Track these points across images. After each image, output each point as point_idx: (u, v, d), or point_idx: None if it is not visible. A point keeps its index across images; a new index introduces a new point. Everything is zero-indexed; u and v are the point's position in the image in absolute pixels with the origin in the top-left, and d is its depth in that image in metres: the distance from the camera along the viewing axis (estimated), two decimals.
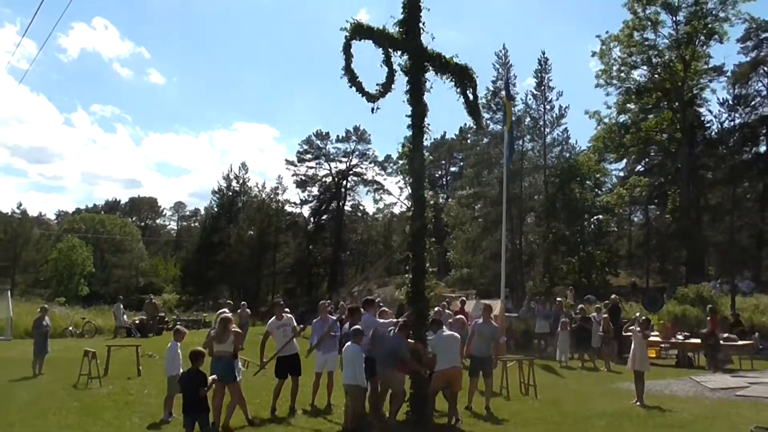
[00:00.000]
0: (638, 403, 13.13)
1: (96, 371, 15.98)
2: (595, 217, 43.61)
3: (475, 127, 18.62)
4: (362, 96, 12.35)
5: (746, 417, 11.82)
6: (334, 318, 14.09)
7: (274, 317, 13.23)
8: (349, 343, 10.89)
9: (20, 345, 24.79)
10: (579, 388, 15.76)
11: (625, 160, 50.34)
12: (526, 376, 14.70)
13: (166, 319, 35.05)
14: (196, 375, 9.15)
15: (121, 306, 32.90)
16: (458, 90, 13.14)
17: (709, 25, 41.22)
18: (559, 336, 21.04)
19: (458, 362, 11.73)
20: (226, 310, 13.59)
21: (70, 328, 31.70)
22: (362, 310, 12.18)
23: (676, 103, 42.93)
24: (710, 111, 46.90)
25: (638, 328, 13.76)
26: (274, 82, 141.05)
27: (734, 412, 12.52)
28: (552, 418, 11.93)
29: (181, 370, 11.89)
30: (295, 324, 13.37)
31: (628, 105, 45.54)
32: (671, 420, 11.79)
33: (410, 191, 12.83)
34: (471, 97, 13.33)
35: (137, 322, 32.18)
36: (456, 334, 11.94)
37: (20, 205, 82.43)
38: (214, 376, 9.82)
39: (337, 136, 74.19)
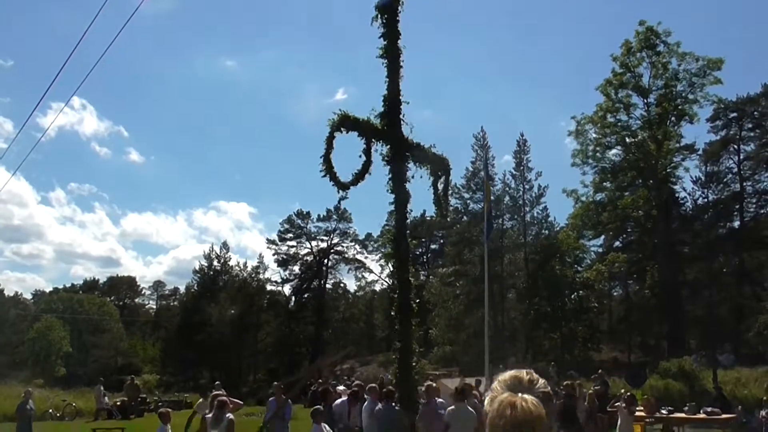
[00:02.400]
0: None
1: None
2: (575, 293, 44.06)
3: (436, 216, 19.08)
4: (334, 185, 12.75)
5: None
6: (287, 399, 14.51)
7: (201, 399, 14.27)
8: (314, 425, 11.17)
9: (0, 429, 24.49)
10: None
11: (603, 237, 51.10)
12: None
13: (147, 400, 34.62)
14: None
15: (102, 387, 32.53)
16: (431, 179, 13.56)
17: (680, 107, 42.67)
18: None
19: None
20: (222, 391, 13.77)
21: (51, 411, 31.21)
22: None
23: (651, 181, 43.96)
24: (684, 188, 47.97)
25: (624, 405, 13.99)
26: (252, 161, 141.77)
27: None
28: None
29: None
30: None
31: (605, 183, 46.57)
32: None
33: (393, 272, 13.18)
34: (441, 187, 13.75)
35: (119, 403, 31.78)
36: (473, 412, 12.07)
37: None
38: None
39: (318, 215, 74.66)
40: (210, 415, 11.65)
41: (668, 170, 44.89)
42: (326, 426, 11.13)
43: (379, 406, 11.60)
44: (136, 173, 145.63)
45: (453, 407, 11.81)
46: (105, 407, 31.07)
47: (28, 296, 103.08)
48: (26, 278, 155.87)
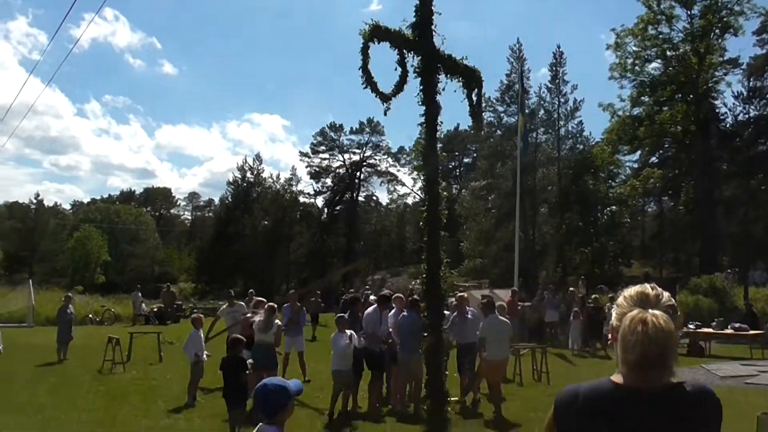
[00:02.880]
0: None
1: (119, 357, 16.47)
2: (608, 209, 43.76)
3: (473, 129, 18.98)
4: (376, 96, 12.67)
5: (755, 404, 12.06)
6: (301, 306, 16.12)
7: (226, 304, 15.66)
8: (336, 332, 11.44)
9: (42, 332, 25.32)
10: (591, 376, 15.90)
11: (638, 152, 50.30)
12: (539, 363, 15.02)
13: (183, 307, 35.53)
14: (237, 361, 9.52)
15: (139, 294, 33.40)
16: (464, 92, 13.36)
17: (724, 19, 41.12)
18: (571, 325, 21.35)
19: (508, 352, 12.17)
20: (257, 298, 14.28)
21: (90, 316, 32.20)
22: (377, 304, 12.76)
23: (691, 96, 42.89)
24: (725, 104, 46.65)
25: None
26: (285, 73, 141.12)
27: (743, 399, 12.79)
28: None
29: (206, 356, 12.37)
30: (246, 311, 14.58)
31: (642, 98, 45.51)
32: None
33: (423, 186, 13.17)
34: (475, 99, 13.55)
35: (155, 310, 32.66)
36: (506, 322, 12.25)
37: (37, 195, 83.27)
38: (250, 361, 10.22)
39: (351, 128, 74.59)
40: (258, 320, 11.94)
41: (709, 85, 43.68)
42: (353, 333, 11.33)
43: (404, 313, 11.77)
44: (169, 85, 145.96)
45: (487, 320, 11.94)
46: (142, 313, 31.93)
47: (67, 207, 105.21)
48: (65, 189, 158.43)
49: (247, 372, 9.62)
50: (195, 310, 30.61)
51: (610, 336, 1.98)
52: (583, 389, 2.27)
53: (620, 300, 2.33)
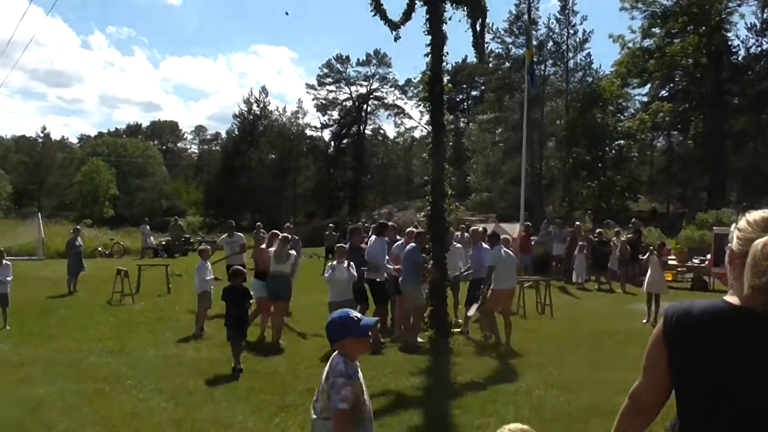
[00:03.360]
0: (650, 323, 13.53)
1: (128, 289, 16.67)
2: (616, 143, 43.45)
3: (476, 60, 18.75)
4: (385, 24, 12.55)
5: None
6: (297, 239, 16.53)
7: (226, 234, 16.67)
8: (334, 263, 11.49)
9: (52, 265, 25.57)
10: (594, 309, 16.19)
11: (648, 86, 49.65)
12: (543, 296, 15.13)
13: (190, 240, 35.75)
14: (239, 291, 9.78)
15: (147, 227, 33.60)
16: (468, 22, 13.17)
17: None
18: (576, 258, 21.43)
19: (515, 283, 12.26)
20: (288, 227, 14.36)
21: (99, 249, 32.45)
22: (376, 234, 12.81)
23: (703, 28, 42.18)
24: (737, 36, 45.98)
25: (654, 252, 14.13)
26: (292, 3, 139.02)
27: None
28: (566, 336, 12.39)
29: (212, 288, 12.49)
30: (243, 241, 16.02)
31: (654, 29, 44.77)
32: None
33: (429, 117, 13.07)
34: (479, 29, 13.37)
35: (164, 243, 32.89)
36: (512, 255, 12.34)
37: (44, 129, 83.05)
38: (252, 292, 10.49)
39: (358, 59, 73.57)
40: (273, 250, 12.02)
41: (722, 16, 42.90)
42: (351, 263, 11.36)
43: (410, 245, 11.81)
44: (174, 15, 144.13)
45: (493, 251, 12.00)
46: (150, 246, 32.17)
47: (74, 140, 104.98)
48: (71, 122, 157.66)
49: (250, 302, 9.96)
50: (203, 243, 30.87)
51: (727, 259, 1.89)
52: (697, 306, 2.26)
53: (743, 224, 2.30)
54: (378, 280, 12.02)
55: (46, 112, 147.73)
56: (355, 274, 11.28)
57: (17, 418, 7.20)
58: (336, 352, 3.80)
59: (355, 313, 3.87)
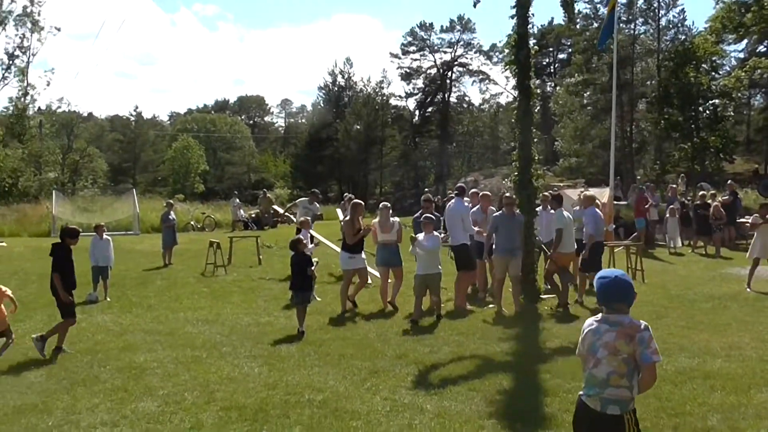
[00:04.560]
0: (748, 289, 13.11)
1: (221, 261, 17.19)
2: (710, 102, 41.83)
3: (564, 21, 18.44)
4: None
5: None
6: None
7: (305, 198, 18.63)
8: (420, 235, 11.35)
9: (148, 239, 26.54)
10: (687, 274, 15.79)
11: (745, 41, 47.42)
12: (634, 261, 14.84)
13: (280, 213, 36.40)
14: (303, 258, 10.38)
15: (237, 201, 34.39)
16: None
17: None
18: (668, 223, 20.88)
19: (574, 246, 12.31)
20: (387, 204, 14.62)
21: (192, 222, 33.44)
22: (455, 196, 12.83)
23: None
24: None
25: (759, 214, 13.58)
26: None
27: None
28: (658, 301, 12.14)
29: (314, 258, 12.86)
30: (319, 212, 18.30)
31: None
32: None
33: (515, 81, 12.93)
34: None
35: (253, 215, 33.61)
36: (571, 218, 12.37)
37: (137, 107, 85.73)
38: (316, 260, 10.96)
39: (441, 26, 72.96)
40: (378, 221, 12.28)
41: None
42: (438, 232, 11.42)
43: (502, 212, 11.67)
44: None
45: (557, 213, 12.12)
46: (241, 219, 32.89)
47: (165, 118, 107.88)
48: (161, 100, 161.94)
49: (312, 268, 10.67)
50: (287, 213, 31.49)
51: None
52: None
53: None
54: (461, 244, 11.89)
55: (138, 91, 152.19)
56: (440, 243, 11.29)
57: (122, 384, 7.56)
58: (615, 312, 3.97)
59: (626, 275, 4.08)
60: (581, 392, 4.03)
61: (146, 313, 11.95)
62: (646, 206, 20.93)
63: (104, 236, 14.04)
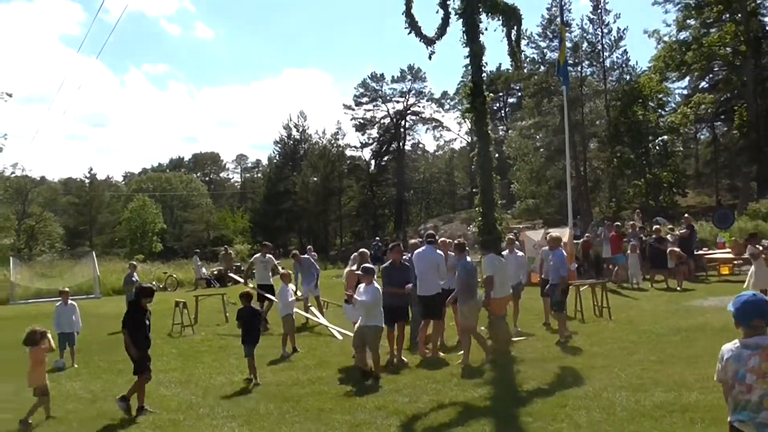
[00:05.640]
0: None
1: (188, 320, 16.98)
2: (659, 138, 42.94)
3: (512, 68, 18.99)
4: (421, 40, 12.68)
5: None
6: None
7: (259, 253, 18.59)
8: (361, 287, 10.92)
9: (110, 301, 26.11)
10: (653, 308, 15.97)
11: (687, 78, 49.00)
12: (599, 298, 15.00)
13: (242, 269, 36.06)
14: (251, 311, 11.16)
15: (198, 258, 34.08)
16: (504, 31, 13.22)
17: None
18: (630, 259, 21.18)
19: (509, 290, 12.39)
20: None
21: (154, 283, 32.92)
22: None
23: (739, 15, 41.53)
24: None
25: (760, 248, 13.85)
26: (320, 26, 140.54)
27: None
28: (627, 337, 12.26)
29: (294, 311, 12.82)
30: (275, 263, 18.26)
31: (689, 21, 44.28)
32: None
33: (472, 127, 13.17)
34: (514, 37, 13.40)
35: (216, 273, 33.29)
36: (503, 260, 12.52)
37: (91, 170, 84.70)
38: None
39: (393, 76, 73.95)
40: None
41: (758, 1, 42.22)
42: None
43: (466, 260, 11.64)
44: (206, 48, 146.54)
45: (488, 258, 11.79)
46: (203, 277, 32.56)
47: (119, 178, 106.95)
48: (113, 161, 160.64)
49: (259, 320, 11.51)
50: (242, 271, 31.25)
51: None
52: None
53: None
54: (436, 293, 11.77)
55: (91, 153, 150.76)
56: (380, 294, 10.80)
57: None
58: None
59: None
60: (730, 418, 4.14)
61: (116, 378, 11.72)
62: (625, 241, 21.34)
63: (69, 302, 13.83)
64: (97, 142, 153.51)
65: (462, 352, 11.09)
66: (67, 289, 14.61)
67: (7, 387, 11.12)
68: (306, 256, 19.24)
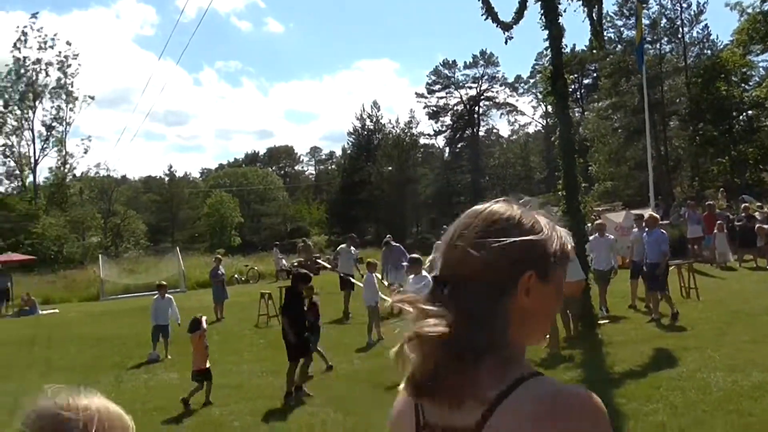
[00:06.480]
0: None
1: (273, 311, 17.30)
2: (744, 114, 41.56)
3: (595, 49, 18.63)
4: (497, 26, 12.61)
5: None
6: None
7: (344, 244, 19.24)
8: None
9: (195, 295, 26.80)
10: (741, 288, 15.57)
11: None
12: (686, 279, 14.71)
13: (320, 259, 36.46)
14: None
15: (278, 250, 34.62)
16: (585, 11, 13.04)
17: None
18: (716, 238, 20.63)
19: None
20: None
21: (236, 276, 33.66)
22: None
23: None
24: None
25: None
26: (389, 14, 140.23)
27: None
28: (718, 318, 12.01)
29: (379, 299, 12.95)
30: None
31: None
32: None
33: (552, 110, 13.05)
34: (596, 17, 13.21)
35: (296, 264, 33.72)
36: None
37: (170, 167, 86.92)
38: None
39: (465, 62, 73.53)
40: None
41: None
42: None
43: None
44: (277, 43, 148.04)
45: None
46: (284, 268, 33.01)
47: (197, 174, 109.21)
48: (191, 158, 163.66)
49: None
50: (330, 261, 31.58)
51: None
52: None
53: None
54: None
55: (168, 151, 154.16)
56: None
57: None
58: None
59: None
60: None
61: (212, 368, 12.07)
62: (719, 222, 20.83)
63: (165, 295, 14.33)
64: (175, 140, 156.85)
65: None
66: (164, 282, 15.12)
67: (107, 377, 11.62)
68: (397, 244, 19.19)
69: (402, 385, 1.34)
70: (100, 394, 1.35)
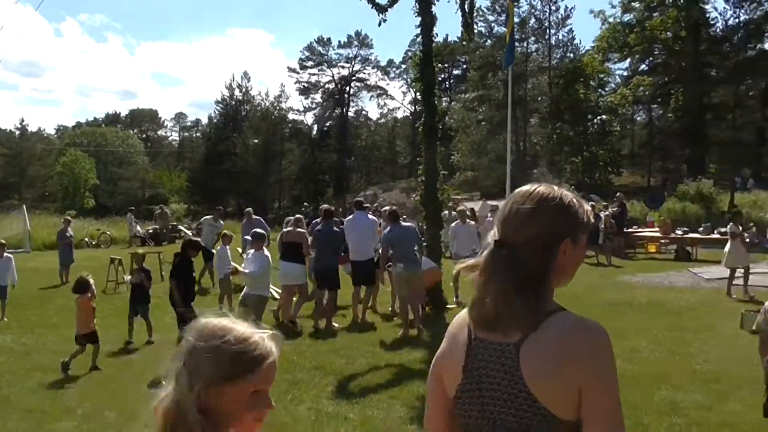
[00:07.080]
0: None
1: (122, 277, 16.82)
2: (598, 118, 43.90)
3: (465, 41, 19.17)
4: (372, 7, 12.74)
5: (738, 303, 12.66)
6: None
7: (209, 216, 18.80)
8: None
9: (40, 256, 25.62)
10: (583, 282, 16.49)
11: (629, 60, 50.15)
12: None
13: (177, 228, 35.68)
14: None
15: (132, 216, 33.59)
16: (457, 2, 13.38)
17: None
18: None
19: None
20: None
21: (86, 239, 32.38)
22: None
23: (681, 1, 42.55)
24: (715, 8, 46.60)
25: (740, 228, 14.05)
26: None
27: (727, 299, 13.34)
28: (572, 308, 12.62)
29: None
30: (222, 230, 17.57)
31: (633, 3, 45.17)
32: (670, 307, 12.59)
33: (421, 98, 13.31)
34: (467, 9, 13.58)
35: (151, 231, 32.89)
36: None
37: (22, 120, 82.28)
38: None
39: (339, 41, 73.55)
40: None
41: None
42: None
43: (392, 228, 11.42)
44: (146, 0, 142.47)
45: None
46: (138, 235, 32.09)
47: (51, 131, 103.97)
48: (46, 113, 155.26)
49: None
50: (192, 230, 30.95)
51: None
52: None
53: None
54: (369, 258, 11.94)
55: (21, 103, 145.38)
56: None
57: (37, 405, 7.45)
58: None
59: None
60: None
61: (50, 332, 11.66)
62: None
63: (4, 255, 13.65)
64: (30, 93, 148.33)
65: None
66: (3, 242, 14.40)
67: None
68: (258, 217, 18.82)
69: (465, 310, 1.88)
70: None
